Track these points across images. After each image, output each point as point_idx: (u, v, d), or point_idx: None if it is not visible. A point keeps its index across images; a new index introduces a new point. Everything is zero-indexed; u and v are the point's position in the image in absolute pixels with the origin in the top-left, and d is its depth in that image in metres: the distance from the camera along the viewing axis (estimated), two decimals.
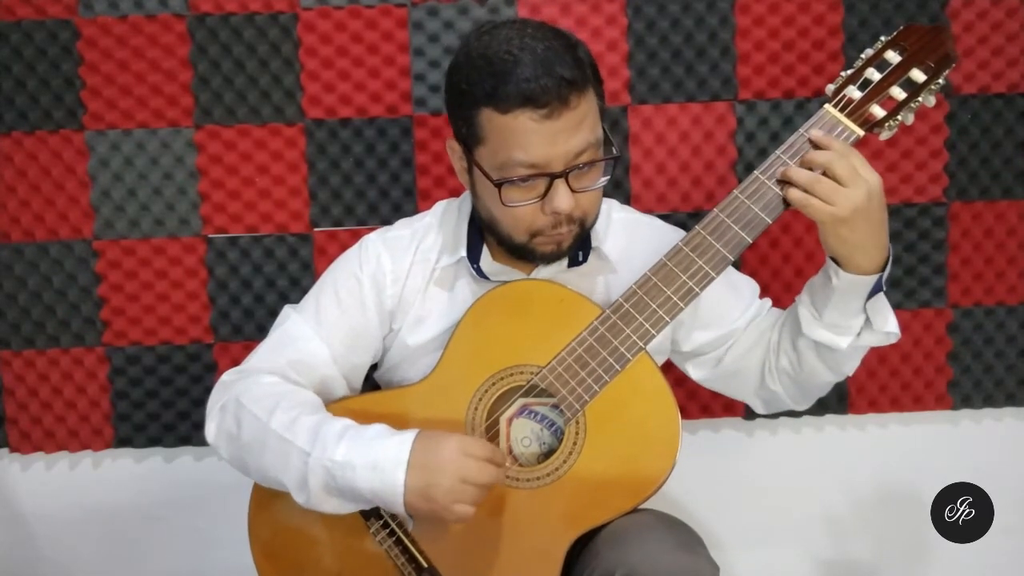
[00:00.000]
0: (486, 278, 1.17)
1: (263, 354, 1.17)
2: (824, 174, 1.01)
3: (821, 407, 1.63)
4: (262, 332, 1.54)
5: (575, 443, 1.08)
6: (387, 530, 1.10)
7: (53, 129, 1.56)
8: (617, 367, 1.07)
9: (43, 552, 1.67)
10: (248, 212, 1.58)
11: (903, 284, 1.62)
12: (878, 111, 1.05)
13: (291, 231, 1.59)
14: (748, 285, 1.27)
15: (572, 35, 1.08)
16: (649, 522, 1.07)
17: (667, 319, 1.07)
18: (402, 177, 1.58)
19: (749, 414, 1.65)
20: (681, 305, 1.06)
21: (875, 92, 1.05)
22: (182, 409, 1.61)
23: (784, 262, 1.61)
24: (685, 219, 1.58)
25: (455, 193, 1.48)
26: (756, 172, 1.06)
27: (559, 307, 1.11)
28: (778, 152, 1.06)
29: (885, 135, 1.07)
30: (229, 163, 1.57)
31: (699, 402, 1.63)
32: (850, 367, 1.17)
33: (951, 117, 1.59)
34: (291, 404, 1.08)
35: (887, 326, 1.10)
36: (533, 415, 1.14)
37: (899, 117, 1.06)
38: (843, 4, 1.56)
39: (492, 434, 1.12)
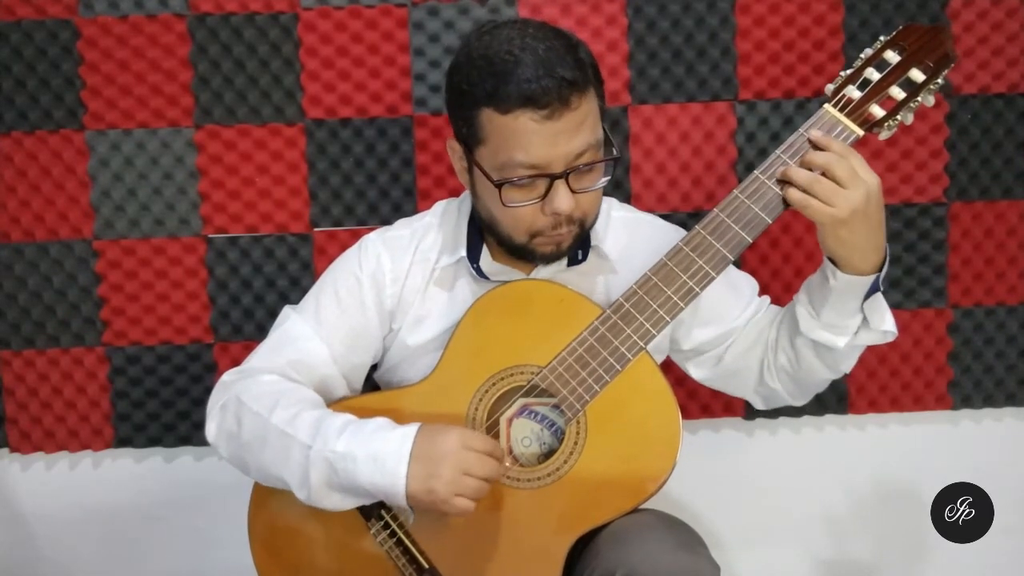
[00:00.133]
0: (486, 278, 1.17)
1: (263, 354, 1.17)
2: (823, 175, 1.02)
3: (821, 407, 1.63)
4: (262, 332, 1.55)
5: (576, 443, 1.08)
6: (387, 530, 1.10)
7: (53, 129, 1.56)
8: (618, 367, 1.07)
9: (43, 552, 1.67)
10: (248, 212, 1.58)
11: (903, 284, 1.62)
12: (878, 111, 1.05)
13: (291, 231, 1.59)
14: (748, 283, 1.27)
15: (573, 35, 1.08)
16: (650, 522, 1.07)
17: (667, 319, 1.07)
18: (402, 177, 1.58)
19: (749, 414, 1.65)
20: (681, 305, 1.07)
21: (874, 92, 1.05)
22: (182, 409, 1.61)
23: (784, 262, 1.62)
24: (685, 219, 1.58)
25: (455, 193, 1.48)
26: (756, 172, 1.06)
27: (559, 307, 1.11)
28: (778, 152, 1.06)
29: (885, 135, 1.07)
30: (229, 163, 1.57)
31: (699, 402, 1.63)
32: (847, 365, 1.17)
33: (951, 117, 1.60)
34: (292, 401, 1.08)
35: (884, 325, 1.10)
36: (533, 415, 1.14)
37: (898, 117, 1.06)
38: (843, 4, 1.57)
39: (492, 434, 1.12)
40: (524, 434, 1.14)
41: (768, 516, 1.68)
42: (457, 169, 1.15)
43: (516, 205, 1.06)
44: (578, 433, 1.08)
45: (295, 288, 1.59)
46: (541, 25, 1.07)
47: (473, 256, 1.17)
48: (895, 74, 1.06)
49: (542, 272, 1.18)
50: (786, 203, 1.04)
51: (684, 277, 1.07)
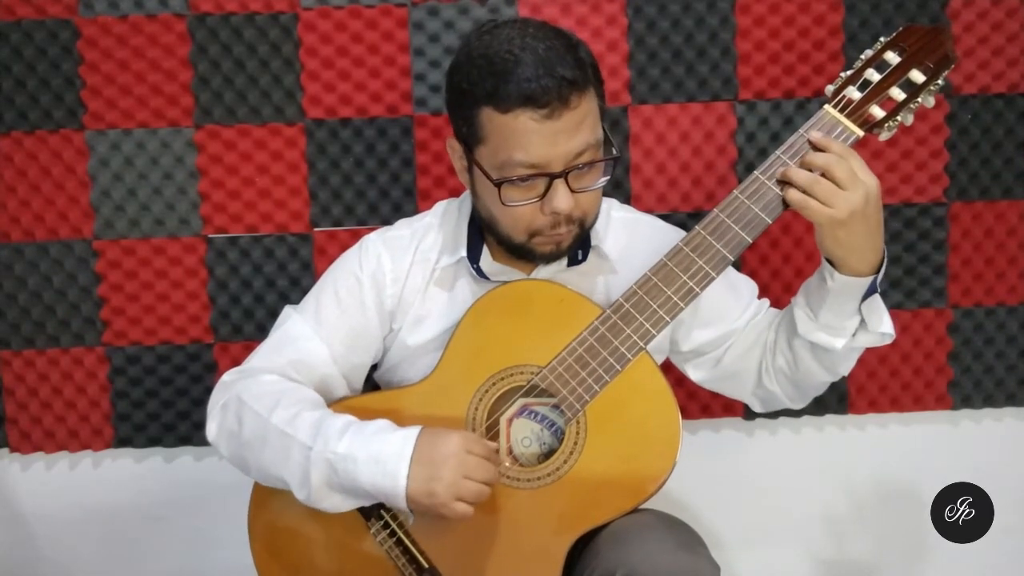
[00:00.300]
0: (486, 278, 1.17)
1: (264, 354, 1.17)
2: (823, 175, 1.02)
3: (821, 407, 1.63)
4: (262, 332, 1.55)
5: (576, 443, 1.08)
6: (387, 530, 1.10)
7: (53, 129, 1.56)
8: (618, 367, 1.07)
9: (43, 552, 1.67)
10: (248, 212, 1.58)
11: (903, 284, 1.62)
12: (878, 112, 1.05)
13: (291, 231, 1.59)
14: (747, 285, 1.27)
15: (573, 35, 1.08)
16: (650, 522, 1.07)
17: (667, 319, 1.07)
18: (402, 177, 1.58)
19: (749, 414, 1.65)
20: (681, 305, 1.07)
21: (875, 93, 1.06)
22: (182, 409, 1.61)
23: (784, 262, 1.62)
24: (685, 219, 1.58)
25: (455, 193, 1.48)
26: (756, 172, 1.06)
27: (559, 307, 1.11)
28: (778, 152, 1.06)
29: (884, 136, 1.07)
30: (229, 163, 1.57)
31: (699, 402, 1.63)
32: (845, 367, 1.17)
33: (951, 117, 1.60)
34: (292, 401, 1.08)
35: (882, 327, 1.10)
36: (533, 415, 1.14)
37: (898, 118, 1.06)
38: (843, 4, 1.57)
39: (492, 434, 1.12)
40: (524, 434, 1.14)
41: (768, 516, 1.68)
42: (457, 168, 1.15)
43: (515, 204, 1.06)
44: (578, 433, 1.08)
45: (295, 288, 1.59)
46: (541, 25, 1.07)
47: (473, 256, 1.18)
48: (895, 75, 1.06)
49: (542, 272, 1.18)
50: (786, 204, 1.04)
51: (684, 277, 1.07)
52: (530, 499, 1.08)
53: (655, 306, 1.07)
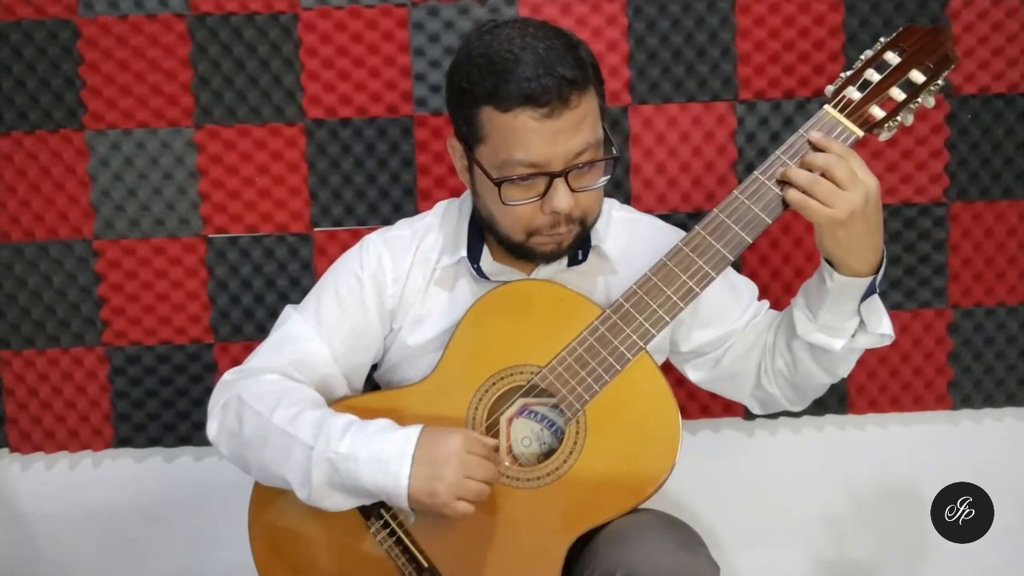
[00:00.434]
0: (486, 278, 1.17)
1: (264, 354, 1.17)
2: (823, 176, 1.02)
3: (821, 407, 1.63)
4: (262, 332, 1.55)
5: (575, 443, 1.08)
6: (387, 530, 1.10)
7: (53, 129, 1.56)
8: (617, 367, 1.07)
9: (43, 552, 1.67)
10: (248, 212, 1.58)
11: (903, 284, 1.62)
12: (878, 112, 1.05)
13: (291, 231, 1.59)
14: (747, 286, 1.27)
15: (573, 35, 1.08)
16: (649, 522, 1.07)
17: (667, 319, 1.07)
18: (402, 177, 1.58)
19: (749, 414, 1.65)
20: (681, 305, 1.07)
21: (874, 93, 1.06)
22: (182, 409, 1.61)
23: (784, 262, 1.62)
24: (685, 219, 1.58)
25: (455, 193, 1.48)
26: (756, 172, 1.06)
27: (559, 307, 1.11)
28: (778, 152, 1.06)
29: (884, 136, 1.07)
30: (229, 163, 1.57)
31: (699, 402, 1.63)
32: (844, 369, 1.17)
33: (951, 117, 1.60)
34: (293, 400, 1.08)
35: (881, 327, 1.10)
36: (533, 415, 1.14)
37: (898, 118, 1.06)
38: (843, 4, 1.57)
39: (492, 434, 1.12)
40: (524, 434, 1.14)
41: (768, 516, 1.68)
42: (457, 168, 1.16)
43: (515, 203, 1.06)
44: (578, 433, 1.08)
45: (295, 288, 1.59)
46: (541, 24, 1.07)
47: (474, 256, 1.18)
48: (895, 75, 1.06)
49: (542, 272, 1.18)
50: (785, 204, 1.04)
51: (684, 277, 1.07)
52: (530, 499, 1.08)
53: (655, 306, 1.07)
